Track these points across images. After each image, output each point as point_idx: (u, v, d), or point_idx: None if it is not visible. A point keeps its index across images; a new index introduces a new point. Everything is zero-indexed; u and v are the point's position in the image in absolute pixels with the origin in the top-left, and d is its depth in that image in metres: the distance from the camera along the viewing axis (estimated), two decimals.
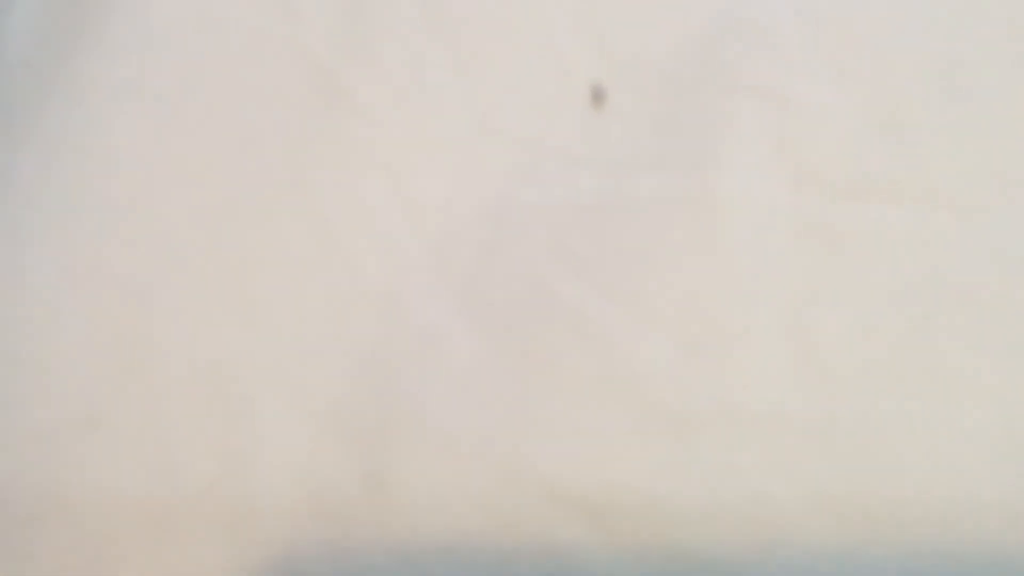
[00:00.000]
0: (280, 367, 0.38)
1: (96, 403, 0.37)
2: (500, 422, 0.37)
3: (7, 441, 0.37)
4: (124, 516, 0.36)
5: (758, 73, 0.43)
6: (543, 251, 0.40)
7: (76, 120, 0.42)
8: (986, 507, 0.35)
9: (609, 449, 0.37)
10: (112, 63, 0.42)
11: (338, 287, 0.39)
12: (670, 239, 0.40)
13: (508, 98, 0.42)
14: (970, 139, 0.41)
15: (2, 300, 0.39)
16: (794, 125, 0.42)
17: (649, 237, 0.40)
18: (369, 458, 0.37)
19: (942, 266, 0.39)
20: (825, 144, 0.41)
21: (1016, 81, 0.42)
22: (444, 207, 0.41)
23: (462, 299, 0.39)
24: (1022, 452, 0.36)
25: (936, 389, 0.37)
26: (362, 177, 0.41)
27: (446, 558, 0.35)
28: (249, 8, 0.43)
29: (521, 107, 0.42)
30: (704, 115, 0.42)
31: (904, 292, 0.39)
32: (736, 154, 0.41)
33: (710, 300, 0.39)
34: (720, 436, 0.37)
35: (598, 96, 0.42)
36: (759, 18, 0.43)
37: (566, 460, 0.37)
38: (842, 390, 0.37)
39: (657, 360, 0.38)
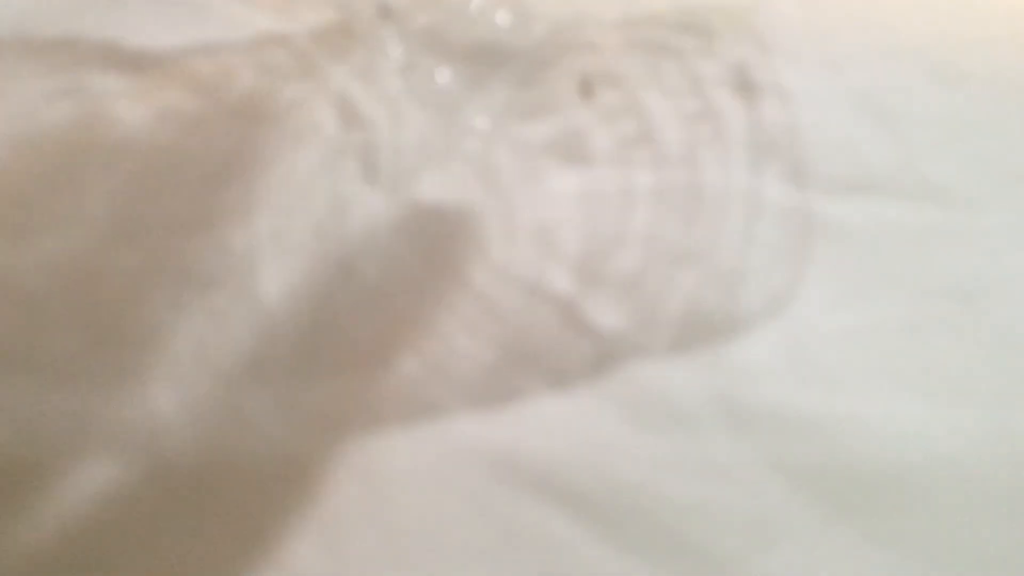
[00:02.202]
0: (272, 356, 0.38)
1: (86, 399, 0.37)
2: (494, 416, 0.37)
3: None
4: (110, 507, 0.36)
5: (751, 61, 0.42)
6: (533, 245, 0.40)
7: None
8: (986, 508, 0.36)
9: (604, 444, 0.37)
10: None
11: (327, 279, 0.39)
12: (663, 234, 0.40)
13: None
14: (966, 131, 0.41)
15: None
16: (788, 116, 0.42)
17: (642, 231, 0.40)
18: (358, 448, 0.37)
19: (938, 261, 0.39)
20: (821, 135, 0.41)
21: (1012, 71, 0.42)
22: (431, 197, 0.41)
23: (453, 293, 0.39)
24: (1020, 451, 0.36)
25: (933, 387, 0.37)
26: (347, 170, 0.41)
27: (437, 552, 0.35)
28: None
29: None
30: (693, 108, 0.42)
31: (901, 287, 0.39)
32: (732, 146, 0.41)
33: (706, 295, 0.39)
34: (713, 431, 0.37)
35: (586, 90, 0.42)
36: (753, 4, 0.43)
37: (561, 455, 0.37)
38: (840, 386, 0.38)
39: (652, 355, 0.38)
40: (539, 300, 0.39)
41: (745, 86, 0.42)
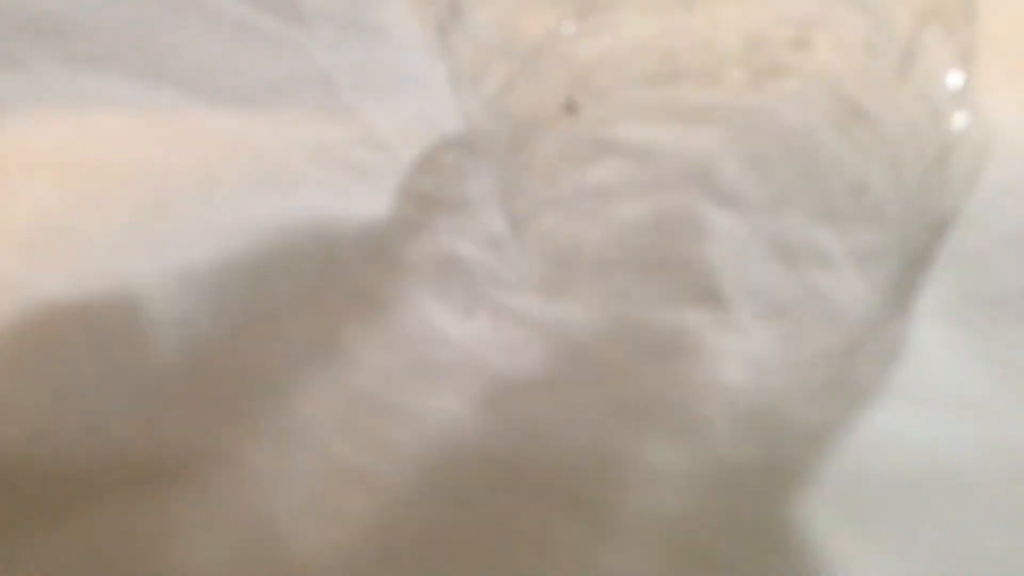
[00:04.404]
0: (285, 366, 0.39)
1: (98, 409, 0.38)
2: (495, 418, 0.37)
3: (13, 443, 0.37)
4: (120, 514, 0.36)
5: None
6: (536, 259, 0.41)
7: None
8: (986, 518, 0.36)
9: (607, 447, 0.37)
10: None
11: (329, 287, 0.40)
12: (655, 241, 0.41)
13: None
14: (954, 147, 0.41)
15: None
16: (770, 140, 0.42)
17: (635, 256, 0.41)
18: (358, 448, 0.37)
19: (931, 281, 0.40)
20: (804, 158, 0.42)
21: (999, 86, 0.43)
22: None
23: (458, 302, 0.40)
24: (1014, 462, 0.37)
25: (934, 400, 0.38)
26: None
27: (437, 554, 0.35)
28: None
29: None
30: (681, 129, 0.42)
31: (894, 307, 0.40)
32: (712, 174, 0.41)
33: (702, 299, 0.40)
34: (719, 436, 0.37)
35: (571, 108, 0.42)
36: None
37: (563, 458, 0.37)
38: (839, 394, 0.38)
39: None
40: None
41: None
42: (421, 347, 0.39)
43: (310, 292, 0.40)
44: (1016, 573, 0.35)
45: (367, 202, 0.42)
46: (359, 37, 0.46)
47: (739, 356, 0.39)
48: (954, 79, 0.42)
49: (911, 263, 0.40)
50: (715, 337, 0.39)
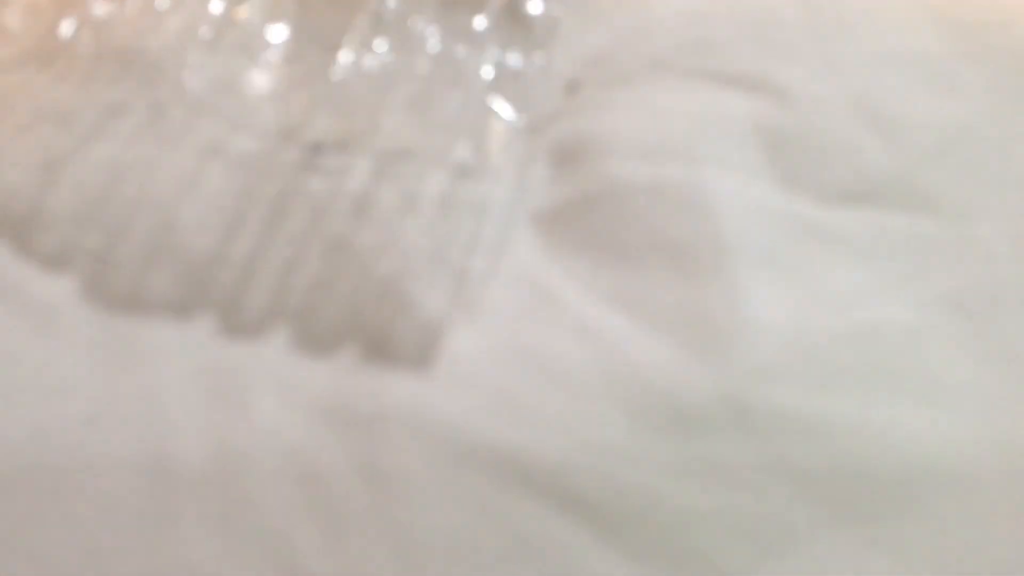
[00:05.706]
0: (276, 357, 0.38)
1: (93, 400, 0.37)
2: (499, 418, 0.37)
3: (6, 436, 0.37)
4: (117, 509, 0.36)
5: (747, 60, 0.42)
6: (536, 248, 0.40)
7: None
8: (987, 516, 0.36)
9: (611, 448, 0.37)
10: None
11: (339, 275, 0.39)
12: (662, 234, 0.40)
13: None
14: (962, 140, 0.41)
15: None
16: (785, 118, 0.42)
17: (640, 232, 0.40)
18: (366, 450, 0.37)
19: (934, 271, 0.40)
20: (817, 141, 0.41)
21: (1009, 81, 0.42)
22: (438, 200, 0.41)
23: (460, 296, 0.39)
24: (1015, 457, 0.37)
25: (934, 394, 0.38)
26: None
27: (441, 554, 0.35)
28: None
29: None
30: (690, 105, 0.42)
31: (898, 296, 0.39)
32: (725, 148, 0.41)
33: (707, 299, 0.39)
34: (720, 435, 0.37)
35: (572, 88, 0.42)
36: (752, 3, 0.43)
37: (567, 459, 0.37)
38: (845, 391, 0.38)
39: (657, 358, 0.38)
40: (543, 303, 0.39)
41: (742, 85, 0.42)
42: None
43: None
44: (1016, 572, 0.35)
45: None
46: None
47: None
48: None
49: None
50: None
